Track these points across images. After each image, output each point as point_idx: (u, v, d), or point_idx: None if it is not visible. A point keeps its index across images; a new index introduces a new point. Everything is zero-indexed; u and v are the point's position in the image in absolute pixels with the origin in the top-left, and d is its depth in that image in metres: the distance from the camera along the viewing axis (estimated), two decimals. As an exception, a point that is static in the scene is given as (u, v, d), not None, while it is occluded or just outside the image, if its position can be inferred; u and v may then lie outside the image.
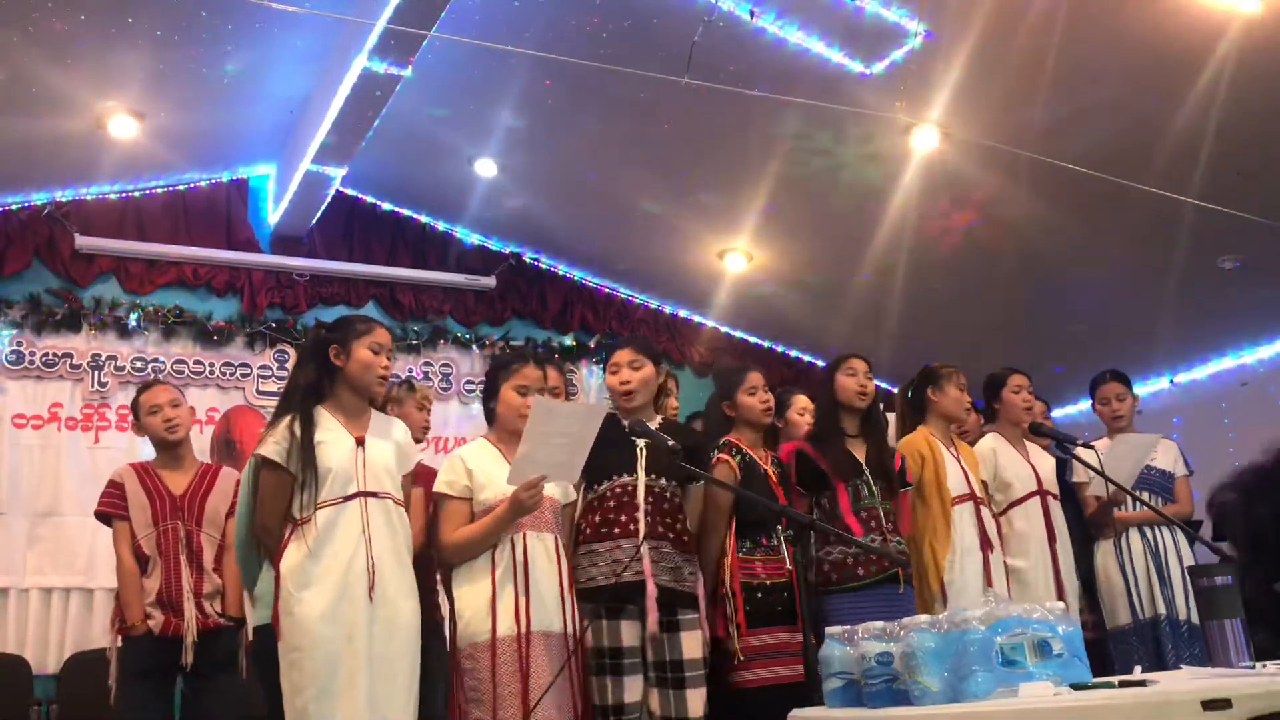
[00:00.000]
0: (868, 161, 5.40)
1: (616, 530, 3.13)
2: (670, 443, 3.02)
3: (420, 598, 3.02)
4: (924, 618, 1.96)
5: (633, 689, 3.03)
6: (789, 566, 3.29)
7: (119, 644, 3.71)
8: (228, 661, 3.72)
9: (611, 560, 3.09)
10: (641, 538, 3.08)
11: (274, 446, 2.89)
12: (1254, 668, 1.96)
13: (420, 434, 3.92)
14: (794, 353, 7.59)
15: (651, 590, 3.05)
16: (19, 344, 5.69)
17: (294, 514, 2.88)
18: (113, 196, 6.07)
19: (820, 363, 7.09)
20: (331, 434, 2.93)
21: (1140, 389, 5.20)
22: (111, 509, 3.74)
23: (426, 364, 6.62)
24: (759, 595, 3.30)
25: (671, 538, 3.19)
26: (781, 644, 3.25)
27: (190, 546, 3.70)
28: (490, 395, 3.23)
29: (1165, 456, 4.35)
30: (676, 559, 3.19)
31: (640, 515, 3.12)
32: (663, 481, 3.21)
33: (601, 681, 3.03)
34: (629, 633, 3.06)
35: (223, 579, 3.74)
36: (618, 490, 3.17)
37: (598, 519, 3.16)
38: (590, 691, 3.05)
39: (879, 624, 2.04)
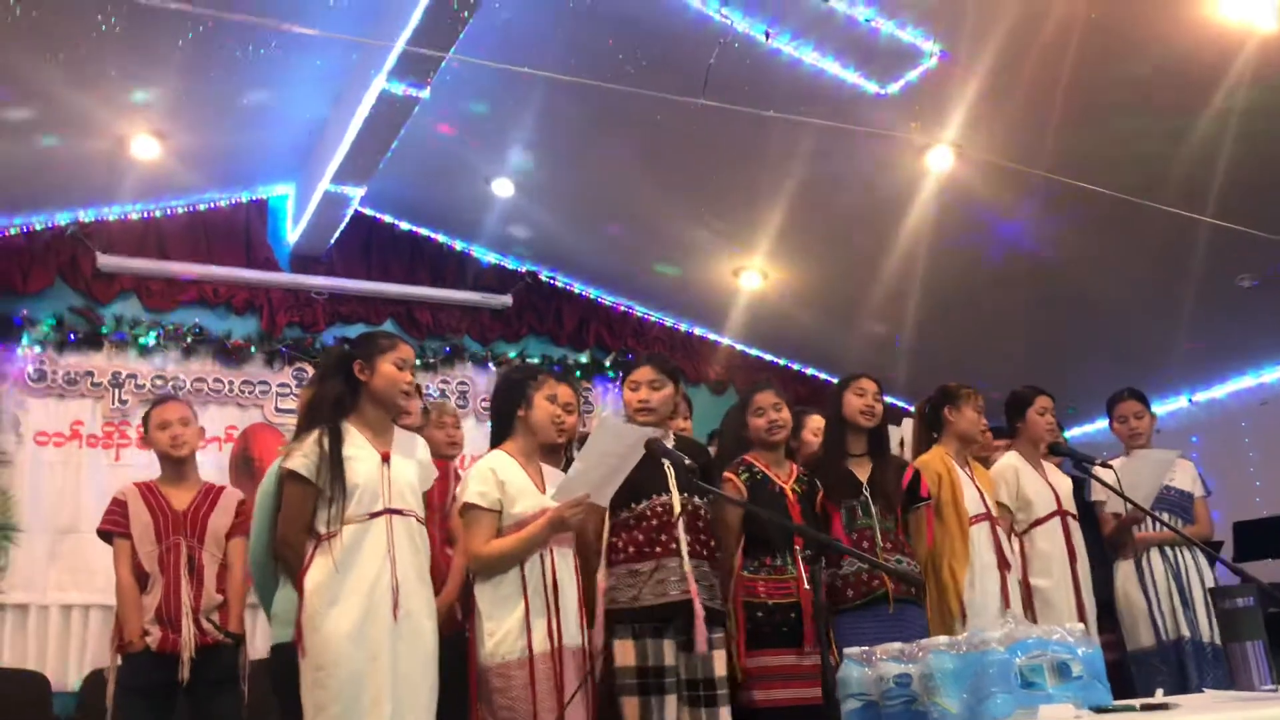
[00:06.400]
0: (883, 181, 5.41)
1: (659, 549, 3.14)
2: (687, 461, 3.04)
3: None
4: (943, 639, 1.96)
5: (672, 708, 3.05)
6: (806, 587, 3.28)
7: (118, 662, 3.69)
8: (227, 679, 3.69)
9: (657, 580, 3.11)
10: (685, 558, 3.12)
11: (302, 460, 2.87)
12: (1277, 690, 1.95)
13: (449, 450, 3.95)
14: (810, 370, 7.59)
15: (700, 610, 3.07)
16: (42, 362, 5.75)
17: (318, 529, 2.86)
18: (134, 216, 6.14)
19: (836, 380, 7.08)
20: (359, 450, 2.92)
21: (1158, 408, 5.17)
22: (113, 526, 3.72)
23: (444, 382, 6.66)
24: (759, 615, 3.30)
25: (706, 555, 3.22)
26: (788, 666, 3.24)
27: (192, 564, 3.68)
28: (518, 403, 3.19)
29: (1184, 476, 4.33)
30: (712, 577, 3.22)
31: (680, 534, 3.14)
32: (695, 500, 3.22)
33: (646, 701, 3.03)
34: (669, 652, 3.08)
35: (225, 595, 3.74)
36: (658, 509, 3.18)
37: (641, 538, 3.17)
38: (622, 711, 3.04)
39: (897, 645, 2.03)
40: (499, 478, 3.08)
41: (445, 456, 3.90)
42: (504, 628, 2.95)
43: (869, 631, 3.19)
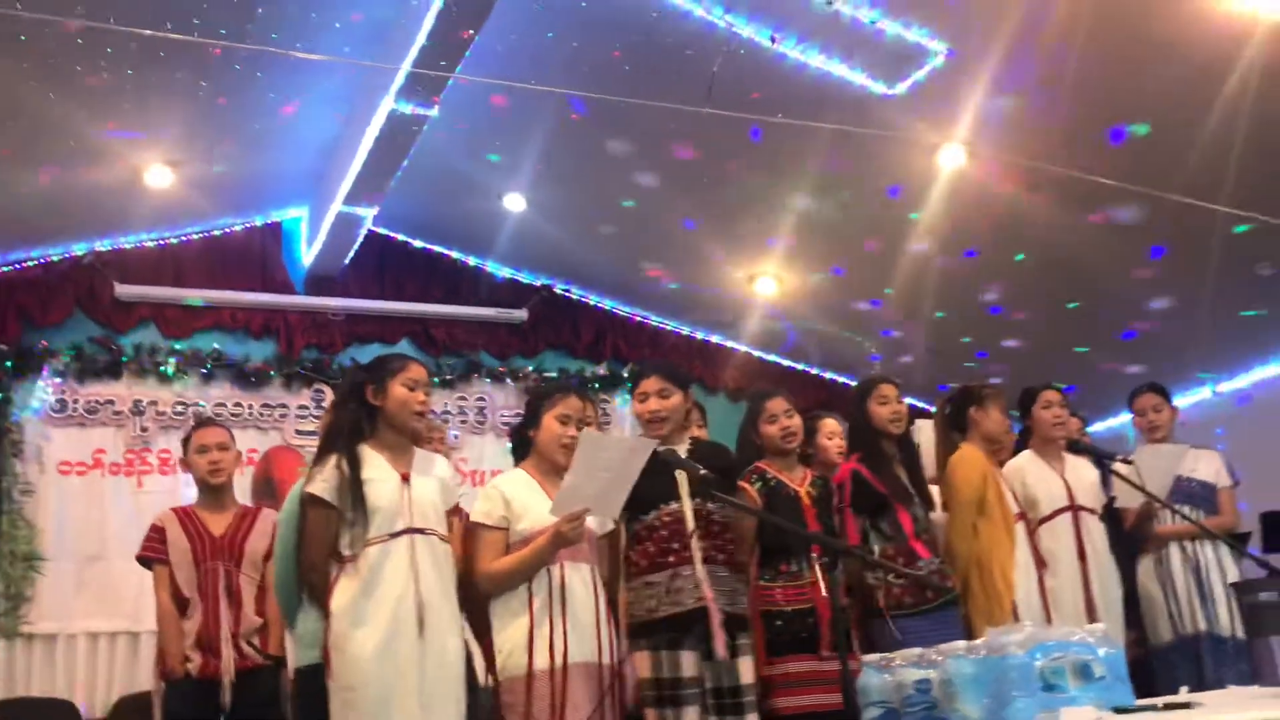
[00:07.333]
0: (895, 181, 5.39)
1: (672, 559, 3.14)
2: (701, 470, 3.03)
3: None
4: (961, 644, 1.95)
5: (691, 718, 3.03)
6: (824, 594, 3.26)
7: (162, 687, 3.74)
8: (269, 702, 3.72)
9: (671, 590, 3.11)
10: (698, 565, 3.10)
11: (322, 484, 2.93)
12: (1303, 686, 1.93)
13: None
14: (827, 375, 7.56)
15: (716, 616, 3.06)
16: (62, 392, 5.81)
17: (341, 552, 2.91)
18: (150, 244, 6.20)
19: (852, 382, 7.05)
20: (378, 471, 2.97)
21: (1181, 400, 5.12)
22: (152, 553, 3.77)
23: (461, 398, 6.67)
24: (779, 623, 3.30)
25: (723, 559, 3.21)
26: (809, 673, 3.24)
27: (230, 588, 3.73)
28: (530, 423, 3.23)
29: (1207, 467, 4.28)
30: (732, 582, 3.21)
31: (693, 542, 3.13)
32: (709, 505, 3.21)
33: (661, 713, 3.03)
34: (688, 662, 3.07)
35: (264, 618, 3.76)
36: (666, 519, 3.18)
37: (652, 549, 3.17)
38: None
39: (916, 651, 2.02)
40: (505, 495, 3.10)
41: None
42: (510, 643, 2.97)
43: (942, 633, 3.11)
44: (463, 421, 6.57)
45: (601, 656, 3.02)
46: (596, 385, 6.92)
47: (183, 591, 3.71)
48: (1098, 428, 6.92)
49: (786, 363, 7.53)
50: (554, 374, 6.84)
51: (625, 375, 7.04)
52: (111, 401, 5.89)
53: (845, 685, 2.42)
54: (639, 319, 7.27)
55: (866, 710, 2.09)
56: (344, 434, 3.03)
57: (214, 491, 3.86)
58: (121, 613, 5.50)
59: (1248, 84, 4.33)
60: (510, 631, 2.98)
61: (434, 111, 4.84)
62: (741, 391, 7.24)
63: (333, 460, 2.97)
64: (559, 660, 2.92)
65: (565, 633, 2.95)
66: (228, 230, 6.40)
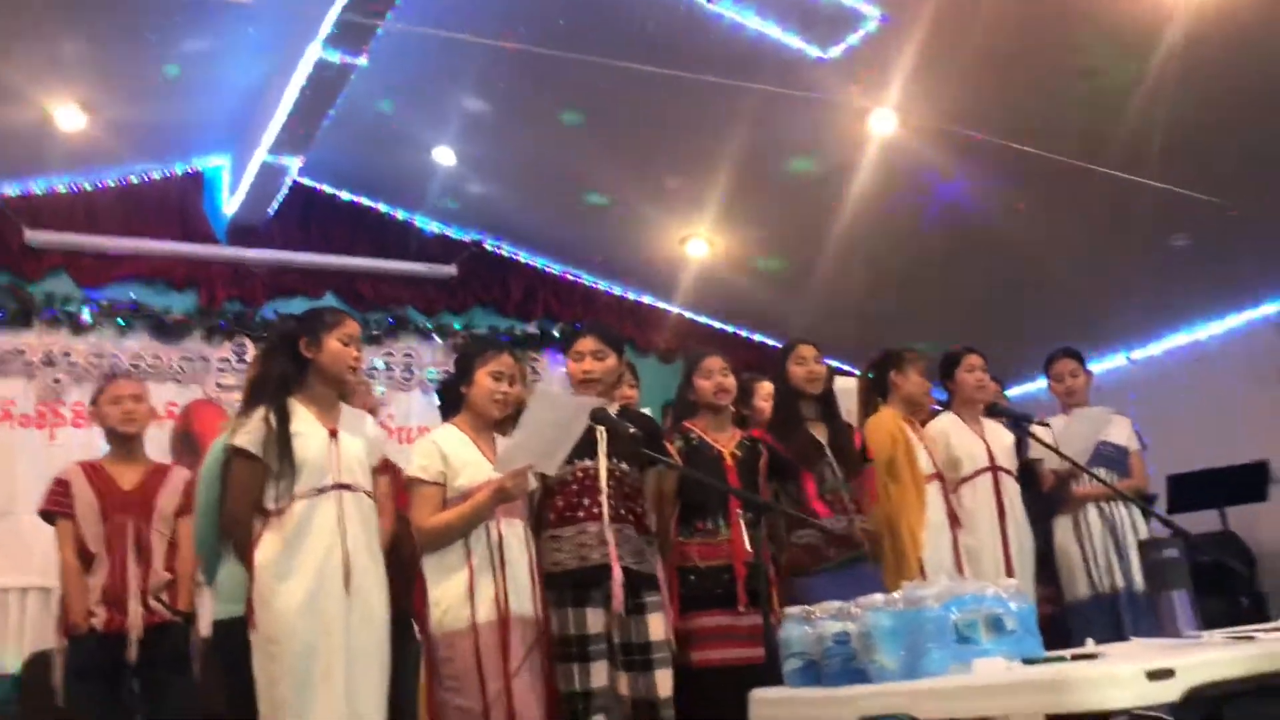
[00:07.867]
0: (826, 145, 5.43)
1: (581, 515, 3.15)
2: (631, 429, 3.05)
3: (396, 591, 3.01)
4: (879, 597, 1.99)
5: (599, 674, 3.06)
6: (749, 548, 3.30)
7: (64, 644, 3.65)
8: (177, 658, 3.65)
9: (577, 544, 3.12)
10: (606, 521, 3.11)
11: (247, 436, 2.87)
12: (1200, 638, 2.01)
13: None
14: (758, 337, 7.62)
15: (618, 573, 3.07)
16: (-32, 341, 5.60)
17: (266, 505, 2.86)
18: (62, 189, 5.97)
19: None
20: (306, 425, 2.93)
21: (1097, 366, 5.26)
22: (56, 507, 3.67)
23: (388, 354, 6.58)
24: (692, 579, 3.33)
25: (633, 520, 3.22)
26: (724, 627, 3.28)
27: (139, 543, 3.64)
28: (463, 378, 3.22)
29: (1120, 432, 4.42)
30: (639, 542, 3.22)
31: (603, 499, 3.15)
32: (623, 465, 3.24)
33: (568, 669, 3.05)
34: (594, 619, 3.09)
35: (174, 574, 3.69)
36: (579, 475, 3.19)
37: (561, 504, 3.18)
38: (557, 678, 3.07)
39: (836, 604, 2.07)
40: (442, 451, 3.08)
41: None
42: (449, 598, 2.96)
43: (844, 591, 3.16)
44: (389, 378, 6.50)
45: (537, 610, 3.04)
46: (527, 343, 6.85)
47: (89, 547, 3.61)
48: (1014, 392, 7.09)
49: (718, 324, 7.57)
50: (483, 331, 6.78)
51: (556, 334, 7.01)
52: (22, 351, 5.70)
53: (768, 639, 2.46)
54: (571, 278, 7.23)
55: (787, 661, 2.13)
56: (272, 386, 2.97)
57: (125, 443, 3.76)
58: (32, 568, 5.34)
59: (1173, 59, 4.43)
60: (448, 586, 2.97)
61: (362, 60, 4.73)
62: (672, 353, 7.27)
63: (260, 412, 2.91)
64: (503, 613, 2.93)
65: (505, 587, 2.96)
66: (146, 177, 6.20)
